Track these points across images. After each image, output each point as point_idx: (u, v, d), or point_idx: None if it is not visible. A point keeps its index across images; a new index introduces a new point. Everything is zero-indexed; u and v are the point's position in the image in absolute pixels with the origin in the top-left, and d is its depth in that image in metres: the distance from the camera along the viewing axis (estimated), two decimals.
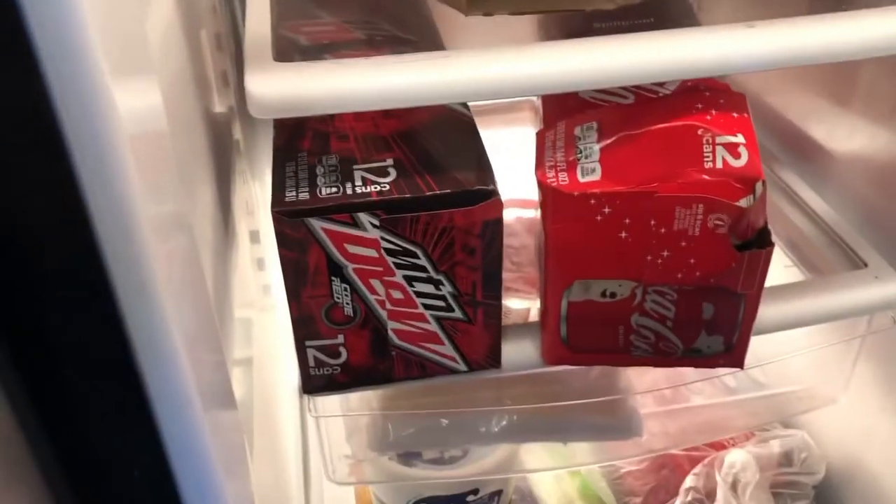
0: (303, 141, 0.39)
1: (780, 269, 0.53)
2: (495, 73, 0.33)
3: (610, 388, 0.50)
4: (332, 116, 0.41)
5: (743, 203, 0.36)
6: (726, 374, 0.53)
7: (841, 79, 0.54)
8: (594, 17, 0.40)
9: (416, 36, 0.48)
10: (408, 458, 0.52)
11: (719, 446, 0.59)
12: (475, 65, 0.34)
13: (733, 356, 0.41)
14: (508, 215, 0.66)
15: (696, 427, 0.53)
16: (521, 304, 0.57)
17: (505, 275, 0.60)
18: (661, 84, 0.40)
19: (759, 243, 0.37)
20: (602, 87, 0.34)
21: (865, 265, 0.48)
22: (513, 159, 0.46)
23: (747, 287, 0.39)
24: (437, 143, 0.39)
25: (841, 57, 0.37)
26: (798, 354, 0.50)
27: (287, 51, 0.46)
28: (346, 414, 0.47)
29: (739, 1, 0.56)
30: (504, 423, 0.49)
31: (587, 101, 0.41)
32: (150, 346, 0.22)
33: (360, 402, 0.50)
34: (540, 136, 0.40)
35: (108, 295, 0.20)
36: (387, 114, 0.40)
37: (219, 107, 0.57)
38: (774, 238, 0.55)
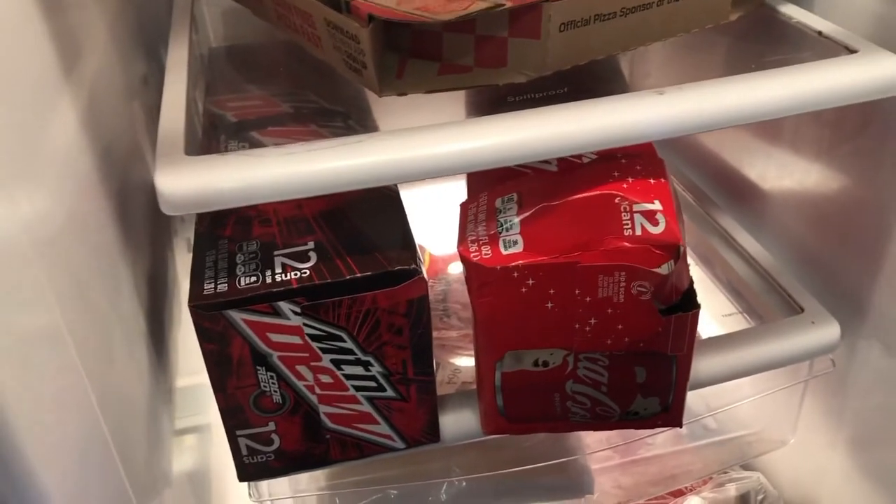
0: (225, 227, 0.39)
1: (720, 317, 0.53)
2: (408, 157, 0.33)
3: (560, 448, 0.50)
4: None
5: (664, 269, 0.36)
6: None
7: (768, 121, 0.55)
8: (508, 91, 0.41)
9: (346, 107, 0.48)
10: None
11: (677, 493, 0.58)
12: (387, 149, 0.34)
13: (671, 416, 0.41)
14: (454, 269, 0.66)
15: (650, 479, 0.53)
16: (470, 361, 0.57)
17: (452, 333, 0.61)
18: None
19: (684, 306, 0.37)
20: (510, 164, 0.34)
21: (802, 310, 0.48)
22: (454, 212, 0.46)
23: (677, 349, 0.39)
24: (361, 221, 0.39)
25: (751, 119, 0.37)
26: (744, 403, 0.50)
27: (214, 128, 0.46)
28: (289, 496, 0.46)
29: (665, 56, 0.57)
30: (454, 490, 0.49)
31: (510, 170, 0.41)
32: None
33: (308, 479, 0.49)
34: (463, 209, 0.40)
35: None
36: None
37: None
38: (715, 285, 0.56)
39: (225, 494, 0.56)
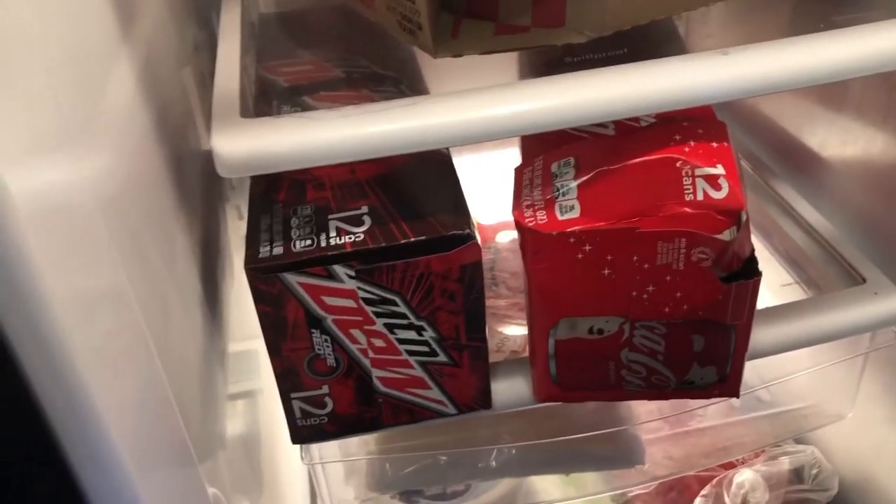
0: (279, 191, 0.39)
1: (778, 288, 0.52)
2: (462, 119, 0.33)
3: (610, 417, 0.49)
4: None
5: (726, 236, 0.35)
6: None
7: (833, 85, 0.53)
8: (565, 52, 0.40)
9: (397, 72, 0.48)
10: (410, 496, 0.51)
11: (728, 465, 0.57)
12: (442, 111, 0.33)
13: (728, 386, 0.40)
14: (503, 238, 0.66)
15: (701, 451, 0.52)
16: (518, 330, 0.57)
17: (500, 302, 0.60)
18: None
19: (745, 274, 0.36)
20: (566, 126, 0.33)
21: (864, 280, 0.47)
22: (506, 181, 0.46)
23: (736, 318, 0.38)
24: (414, 186, 0.38)
25: (820, 81, 0.36)
26: (800, 375, 0.49)
27: (266, 93, 0.45)
28: (338, 460, 0.46)
29: (727, 16, 0.55)
30: (503, 458, 0.49)
31: (566, 135, 0.40)
32: (70, 417, 0.21)
33: (358, 443, 0.49)
34: (518, 174, 0.40)
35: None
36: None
37: (206, 145, 0.57)
38: (772, 255, 0.54)
39: (274, 459, 0.57)
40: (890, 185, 0.50)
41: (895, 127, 0.48)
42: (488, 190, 0.50)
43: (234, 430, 0.49)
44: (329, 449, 0.47)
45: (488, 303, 0.61)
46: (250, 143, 0.33)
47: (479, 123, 0.33)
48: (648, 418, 0.48)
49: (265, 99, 0.45)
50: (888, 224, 0.50)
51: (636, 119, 0.39)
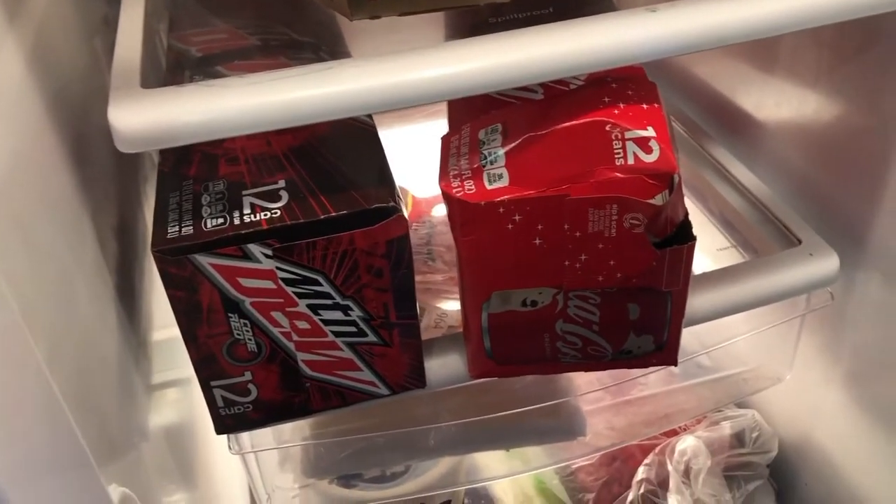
0: (189, 166, 0.36)
1: (714, 252, 0.52)
2: (380, 84, 0.31)
3: (550, 390, 0.48)
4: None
5: (658, 200, 0.34)
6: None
7: (764, 45, 0.53)
8: (489, 12, 0.38)
9: (316, 38, 0.45)
10: (348, 479, 0.50)
11: (670, 433, 0.57)
12: (359, 76, 0.31)
13: (665, 354, 0.40)
14: (439, 212, 0.64)
15: (643, 419, 0.52)
16: (456, 305, 0.55)
17: (437, 276, 0.59)
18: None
19: (679, 239, 0.35)
20: (490, 90, 0.31)
21: (799, 242, 0.47)
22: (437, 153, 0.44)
23: (672, 284, 0.37)
24: (335, 157, 0.36)
25: (750, 37, 0.35)
26: (739, 340, 0.48)
27: (178, 64, 0.43)
28: (269, 448, 0.44)
29: None
30: (443, 436, 0.47)
31: (493, 100, 0.38)
32: None
33: (292, 429, 0.47)
34: (444, 142, 0.38)
35: None
36: (280, 129, 0.38)
37: None
38: (708, 218, 0.54)
39: (210, 448, 0.55)
40: (823, 145, 0.49)
41: (827, 87, 0.48)
42: (424, 163, 0.49)
43: (161, 422, 0.47)
44: (261, 436, 0.45)
45: (425, 278, 0.59)
46: (149, 115, 0.30)
47: (397, 88, 0.31)
48: (589, 389, 0.47)
49: (177, 70, 0.42)
50: (822, 185, 0.50)
51: (565, 82, 0.38)
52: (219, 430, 0.38)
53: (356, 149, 0.37)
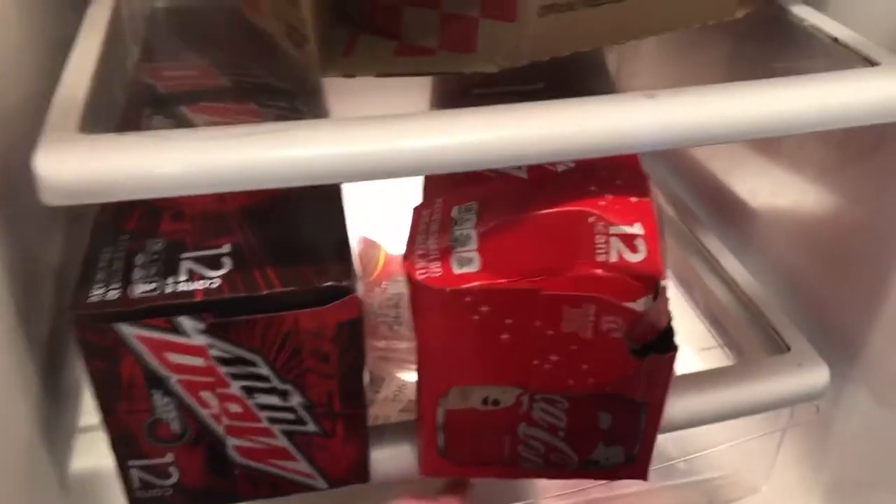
0: (129, 219, 0.33)
1: (699, 351, 0.48)
2: (337, 154, 0.28)
3: (510, 487, 0.45)
4: None
5: (640, 305, 0.31)
6: None
7: None
8: (475, 81, 0.35)
9: (294, 85, 0.42)
10: None
11: None
12: (317, 142, 0.28)
13: (635, 467, 0.36)
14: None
15: None
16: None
17: (402, 344, 0.55)
18: None
19: (660, 348, 0.32)
20: (455, 170, 0.28)
21: (788, 348, 0.43)
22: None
23: (648, 395, 0.33)
24: (291, 222, 0.33)
25: (760, 135, 0.32)
26: (717, 449, 0.45)
27: (138, 100, 0.39)
28: None
29: (661, 54, 0.52)
30: None
31: (473, 175, 0.35)
32: None
33: None
34: (415, 215, 0.35)
35: None
36: None
37: None
38: (694, 312, 0.51)
39: None
40: (819, 245, 0.46)
41: (830, 183, 0.45)
42: (401, 215, 0.45)
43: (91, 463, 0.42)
44: None
45: (389, 344, 0.56)
46: (80, 165, 0.27)
47: (358, 159, 0.28)
48: (552, 489, 0.44)
49: (136, 106, 0.39)
50: (815, 286, 0.47)
51: (553, 163, 0.35)
52: None
53: (316, 214, 0.34)
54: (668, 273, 0.54)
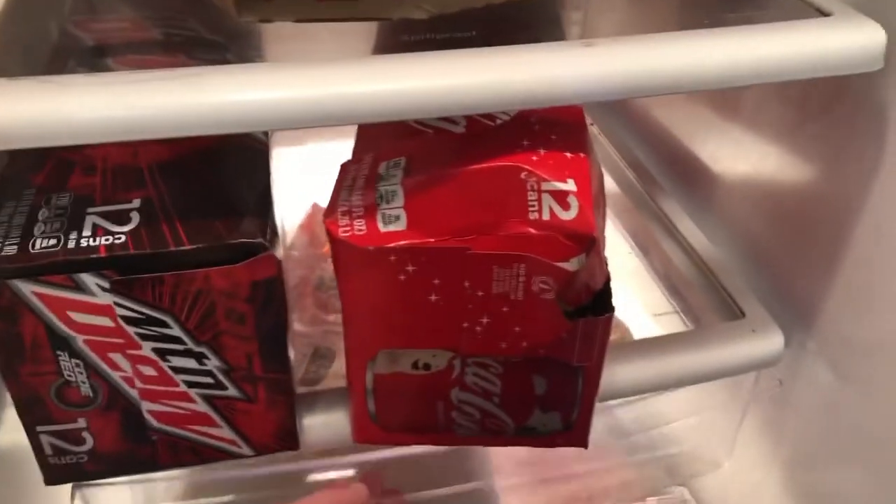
0: (38, 173, 0.31)
1: (652, 316, 0.47)
2: (243, 100, 0.26)
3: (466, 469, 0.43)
4: None
5: (572, 264, 0.29)
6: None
7: (726, 92, 0.48)
8: (403, 29, 0.33)
9: (228, 39, 0.40)
10: None
11: None
12: (228, 87, 0.26)
13: (574, 434, 0.35)
14: None
15: (564, 500, 0.47)
16: None
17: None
18: None
19: (595, 309, 0.31)
20: (374, 120, 0.26)
21: (743, 314, 0.42)
22: None
23: (585, 359, 0.32)
24: (208, 178, 0.31)
25: (702, 86, 0.31)
26: (677, 424, 0.44)
27: (64, 51, 0.37)
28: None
29: (622, 8, 0.50)
30: None
31: (407, 128, 0.33)
32: None
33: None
34: (342, 171, 0.33)
35: None
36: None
37: None
38: (651, 277, 0.49)
39: None
40: (778, 209, 0.45)
41: (790, 144, 0.44)
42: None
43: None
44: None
45: (337, 318, 0.54)
46: None
47: (267, 106, 0.26)
48: (505, 467, 0.42)
49: (60, 58, 0.37)
50: (773, 252, 0.45)
51: (491, 116, 0.33)
52: (48, 481, 0.32)
53: (237, 169, 0.32)
54: (625, 238, 0.53)
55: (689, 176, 0.52)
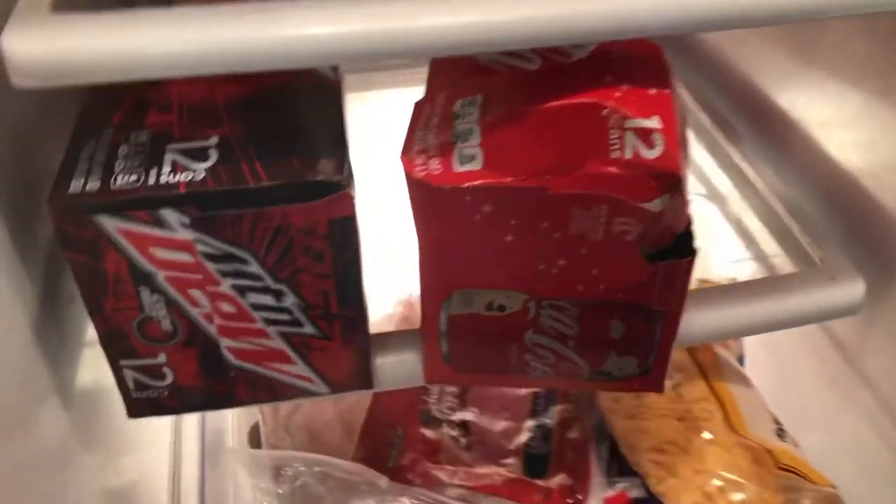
0: (115, 112, 0.31)
1: (728, 263, 0.46)
2: (324, 34, 0.25)
3: None
4: (159, 80, 0.33)
5: (656, 205, 0.28)
6: None
7: (807, 30, 0.46)
8: None
9: None
10: None
11: None
12: (316, 20, 0.26)
13: (650, 379, 0.34)
14: None
15: None
16: None
17: None
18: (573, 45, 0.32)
19: (677, 252, 0.30)
20: (450, 52, 0.26)
21: (821, 262, 0.41)
22: None
23: (664, 303, 0.31)
24: (284, 116, 0.31)
25: (795, 17, 0.29)
26: None
27: None
28: None
29: None
30: None
31: (480, 67, 0.33)
32: None
33: None
34: (416, 110, 0.32)
35: None
36: (227, 76, 0.32)
37: None
38: (726, 224, 0.48)
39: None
40: (862, 155, 0.43)
41: (875, 87, 0.42)
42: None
43: (93, 381, 0.42)
44: None
45: None
46: (47, 45, 0.25)
47: (354, 38, 0.25)
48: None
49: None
50: (853, 199, 0.44)
51: (566, 52, 0.32)
52: (131, 414, 0.33)
53: (312, 108, 0.32)
54: (698, 184, 0.51)
55: (765, 120, 0.50)
